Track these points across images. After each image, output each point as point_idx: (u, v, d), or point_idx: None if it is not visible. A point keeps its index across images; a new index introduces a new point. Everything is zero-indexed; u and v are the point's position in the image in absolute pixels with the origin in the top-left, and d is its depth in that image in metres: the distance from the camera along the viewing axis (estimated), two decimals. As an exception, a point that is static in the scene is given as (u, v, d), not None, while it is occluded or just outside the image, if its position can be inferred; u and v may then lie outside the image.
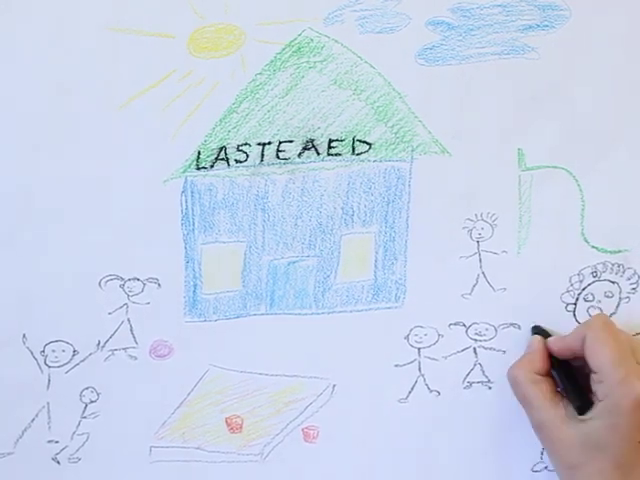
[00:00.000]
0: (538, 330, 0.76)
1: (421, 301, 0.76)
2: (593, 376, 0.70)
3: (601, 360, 0.69)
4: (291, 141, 0.73)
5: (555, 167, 0.75)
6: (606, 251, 0.76)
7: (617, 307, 0.78)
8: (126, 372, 0.75)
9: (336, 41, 0.72)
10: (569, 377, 0.73)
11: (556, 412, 0.70)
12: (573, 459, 0.69)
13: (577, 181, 0.75)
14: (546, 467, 0.79)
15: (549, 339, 0.74)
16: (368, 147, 0.73)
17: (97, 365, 0.74)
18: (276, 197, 0.74)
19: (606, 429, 0.68)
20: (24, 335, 0.73)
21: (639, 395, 0.67)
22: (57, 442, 0.75)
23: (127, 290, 0.74)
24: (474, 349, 0.77)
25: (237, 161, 0.73)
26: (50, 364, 0.74)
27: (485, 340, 0.77)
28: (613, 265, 0.77)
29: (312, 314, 0.76)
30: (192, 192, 0.73)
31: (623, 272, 0.77)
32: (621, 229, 0.76)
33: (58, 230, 0.72)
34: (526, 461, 0.79)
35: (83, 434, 0.75)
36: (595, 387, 0.70)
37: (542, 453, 0.79)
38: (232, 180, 0.73)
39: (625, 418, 0.67)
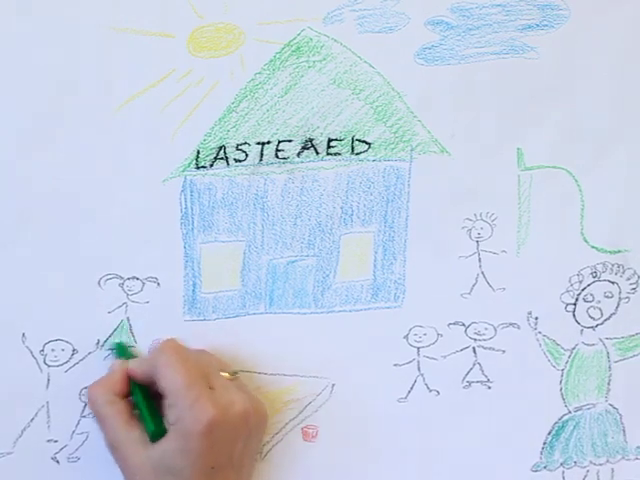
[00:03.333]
0: (120, 348, 0.74)
1: (420, 301, 0.76)
2: (165, 401, 0.68)
3: (171, 384, 0.67)
4: (290, 140, 0.73)
5: (554, 167, 0.75)
6: (606, 251, 0.76)
7: (617, 307, 0.78)
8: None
9: (335, 40, 0.72)
10: (148, 402, 0.70)
11: (130, 435, 0.68)
12: None
13: (577, 181, 0.75)
14: (545, 467, 0.80)
15: (131, 361, 0.72)
16: (367, 147, 0.73)
17: (97, 364, 0.74)
18: (275, 196, 0.74)
19: (178, 453, 0.66)
20: (23, 334, 0.73)
21: (210, 419, 0.66)
22: (56, 441, 0.75)
23: (126, 289, 0.74)
24: (473, 349, 0.77)
25: (236, 160, 0.73)
26: (49, 363, 0.74)
27: (484, 340, 0.77)
28: (613, 265, 0.77)
29: (311, 313, 0.76)
30: (191, 191, 0.73)
31: (623, 272, 0.77)
32: (621, 229, 0.76)
33: (57, 229, 0.72)
34: (525, 461, 0.79)
35: (82, 433, 0.75)
36: (167, 411, 0.68)
37: (541, 453, 0.79)
38: (231, 179, 0.73)
39: (196, 442, 0.66)
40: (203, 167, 0.72)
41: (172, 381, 0.68)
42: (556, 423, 0.80)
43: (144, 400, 0.70)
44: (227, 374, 0.72)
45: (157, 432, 0.68)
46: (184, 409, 0.66)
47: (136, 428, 0.69)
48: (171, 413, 0.67)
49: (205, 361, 0.72)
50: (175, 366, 0.68)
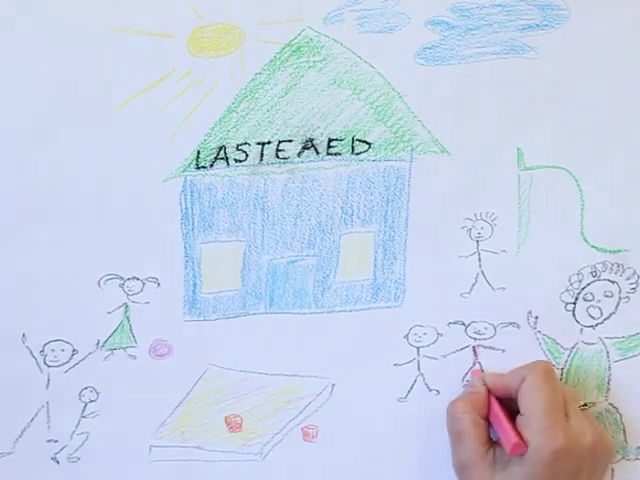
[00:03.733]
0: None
1: (420, 300, 0.76)
2: (519, 419, 0.70)
3: (533, 405, 0.69)
4: (290, 140, 0.73)
5: (554, 167, 0.75)
6: (605, 251, 0.76)
7: (616, 307, 0.78)
8: (125, 371, 0.75)
9: (335, 41, 0.72)
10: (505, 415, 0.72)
11: (485, 457, 0.70)
12: None
13: (576, 180, 0.75)
14: (545, 466, 0.80)
15: (486, 374, 0.75)
16: (367, 146, 0.73)
17: (96, 364, 0.74)
18: (275, 196, 0.74)
19: (525, 477, 0.68)
20: (23, 334, 0.73)
21: (560, 447, 0.67)
22: (56, 441, 0.75)
23: (126, 289, 0.74)
24: (473, 348, 0.77)
25: (236, 160, 0.73)
26: (49, 363, 0.74)
27: (484, 339, 0.77)
28: (613, 265, 0.77)
29: (311, 313, 0.76)
30: (191, 191, 0.73)
31: (623, 272, 0.77)
32: (621, 229, 0.76)
33: (57, 229, 0.72)
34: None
35: (82, 433, 0.75)
36: (521, 430, 0.69)
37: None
38: (231, 179, 0.73)
39: (543, 468, 0.67)
40: (203, 167, 0.72)
41: (534, 402, 0.69)
42: (556, 422, 0.80)
43: (503, 413, 0.72)
44: (581, 403, 0.73)
45: (518, 445, 0.68)
46: (537, 432, 0.68)
47: (491, 451, 0.71)
48: (523, 433, 0.69)
49: (565, 388, 0.73)
50: (542, 387, 0.70)
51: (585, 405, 0.74)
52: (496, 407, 0.73)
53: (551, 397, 0.69)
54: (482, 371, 0.76)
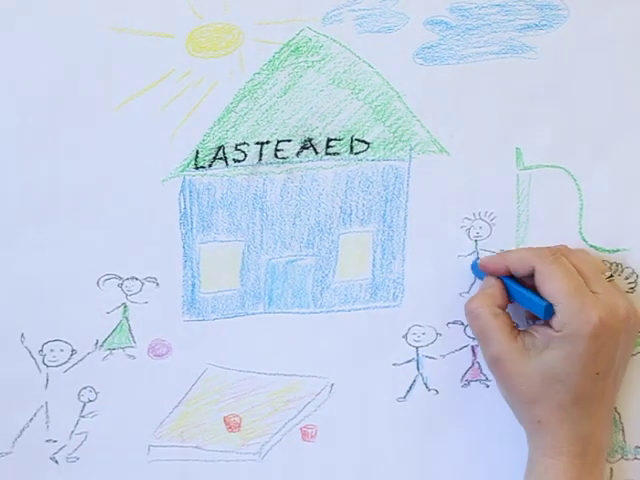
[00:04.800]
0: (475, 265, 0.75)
1: (419, 300, 0.76)
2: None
3: (556, 290, 0.69)
4: (289, 140, 0.73)
5: (553, 166, 0.75)
6: (604, 250, 0.76)
7: (615, 306, 0.77)
8: (124, 371, 0.75)
9: (334, 40, 0.72)
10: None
11: (516, 345, 0.70)
12: (532, 392, 0.70)
13: (575, 180, 0.75)
14: (544, 466, 0.79)
15: (485, 258, 0.75)
16: (366, 146, 0.74)
17: (95, 364, 0.74)
18: (274, 196, 0.74)
19: (565, 360, 0.69)
20: (22, 334, 0.73)
21: (596, 324, 0.68)
22: (55, 441, 0.75)
23: (125, 289, 0.74)
24: (472, 348, 0.77)
25: (235, 160, 0.73)
26: (48, 363, 0.74)
27: (483, 339, 0.77)
28: (611, 264, 0.77)
29: (310, 313, 0.76)
30: (190, 191, 0.73)
31: (621, 271, 0.77)
32: (619, 228, 0.76)
33: (56, 229, 0.72)
34: (525, 459, 0.79)
35: (81, 433, 0.75)
36: (551, 319, 0.70)
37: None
38: (230, 179, 0.73)
39: (583, 348, 0.68)
40: (202, 167, 0.73)
41: (555, 290, 0.69)
42: (555, 422, 0.80)
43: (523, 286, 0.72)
44: (607, 275, 0.73)
45: (549, 307, 0.69)
46: (571, 315, 0.68)
47: (519, 339, 0.71)
48: (555, 320, 0.69)
49: (586, 263, 0.72)
50: (558, 274, 0.70)
51: (612, 276, 0.74)
52: (513, 285, 0.73)
53: (570, 279, 0.69)
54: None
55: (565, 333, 0.68)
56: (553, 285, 0.69)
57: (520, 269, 0.72)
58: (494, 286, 0.73)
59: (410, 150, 0.74)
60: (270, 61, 0.72)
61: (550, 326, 0.70)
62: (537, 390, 0.69)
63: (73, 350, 0.74)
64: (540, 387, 0.69)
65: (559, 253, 0.72)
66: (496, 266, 0.73)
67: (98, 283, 0.73)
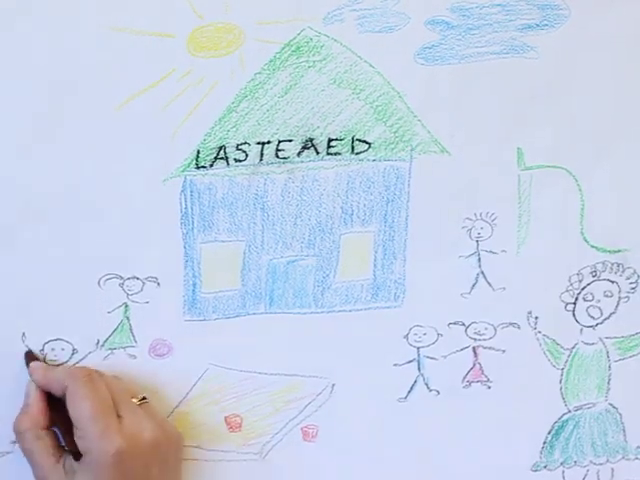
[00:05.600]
0: (29, 357, 0.73)
1: (420, 300, 0.76)
2: (75, 430, 0.68)
3: (80, 414, 0.67)
4: (290, 140, 0.73)
5: (554, 167, 0.75)
6: (605, 250, 0.76)
7: (616, 307, 0.78)
8: (125, 371, 0.75)
9: (335, 40, 0.72)
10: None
11: (57, 468, 0.69)
12: None
13: (576, 180, 0.75)
14: (545, 466, 0.80)
15: (33, 365, 0.72)
16: (367, 146, 0.73)
17: (96, 364, 0.74)
18: (275, 196, 0.74)
19: None
20: (23, 334, 0.73)
21: (118, 449, 0.66)
22: (56, 441, 0.75)
23: (126, 289, 0.74)
24: (473, 348, 0.77)
25: (236, 160, 0.73)
26: (49, 363, 0.74)
27: (484, 339, 0.77)
28: (612, 264, 0.77)
29: (311, 313, 0.76)
30: (191, 191, 0.73)
31: (622, 271, 0.77)
32: (621, 228, 0.76)
33: (57, 229, 0.72)
34: (525, 460, 0.79)
35: (82, 433, 0.75)
36: (77, 441, 0.68)
37: (541, 452, 0.79)
38: (231, 179, 0.73)
39: (106, 473, 0.66)
40: (203, 167, 0.72)
41: (80, 411, 0.68)
42: (556, 422, 0.80)
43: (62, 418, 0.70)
44: (136, 400, 0.72)
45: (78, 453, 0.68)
46: (92, 441, 0.67)
47: (62, 460, 0.69)
48: (80, 443, 0.68)
49: (115, 388, 0.71)
50: (86, 396, 0.68)
51: (144, 399, 0.72)
52: (53, 415, 0.71)
53: (96, 402, 0.68)
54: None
55: (88, 458, 0.67)
56: (80, 406, 0.68)
57: (57, 389, 0.70)
58: (34, 404, 0.71)
59: (411, 150, 0.74)
60: (271, 61, 0.72)
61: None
62: None
63: (74, 350, 0.74)
64: None
65: (95, 374, 0.71)
66: (39, 382, 0.71)
67: (99, 283, 0.73)
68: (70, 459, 0.69)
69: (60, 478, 0.68)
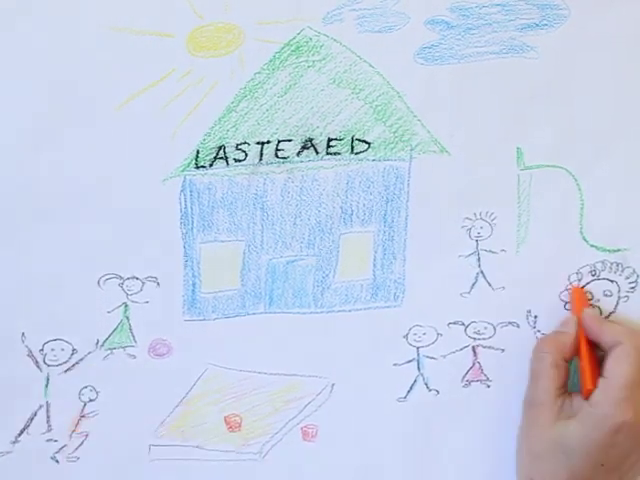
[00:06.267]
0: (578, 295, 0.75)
1: (420, 300, 0.76)
2: (601, 380, 0.70)
3: (617, 373, 0.69)
4: (290, 140, 0.73)
5: (554, 166, 0.75)
6: (605, 250, 0.76)
7: (616, 306, 0.78)
8: (125, 371, 0.75)
9: (335, 40, 0.72)
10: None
11: (555, 402, 0.71)
12: (541, 449, 0.70)
13: (576, 180, 0.75)
14: (545, 466, 0.79)
15: (586, 316, 0.74)
16: (367, 146, 0.73)
17: (96, 364, 0.74)
18: (275, 196, 0.74)
19: (580, 437, 0.68)
20: (23, 334, 0.73)
21: (626, 421, 0.67)
22: (56, 441, 0.75)
23: (126, 289, 0.74)
24: (473, 348, 0.77)
25: (236, 160, 0.73)
26: (49, 363, 0.74)
27: (484, 339, 0.77)
28: (612, 264, 0.77)
29: (311, 313, 0.76)
30: (191, 191, 0.73)
31: (622, 271, 0.77)
32: (620, 228, 0.76)
33: (57, 229, 0.72)
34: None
35: (82, 433, 0.75)
36: (596, 392, 0.70)
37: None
38: (231, 179, 0.73)
39: (600, 435, 0.68)
40: (203, 167, 0.72)
41: (619, 371, 0.69)
42: (556, 422, 0.80)
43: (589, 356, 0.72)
44: None
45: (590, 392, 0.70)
46: (610, 400, 0.68)
47: (561, 398, 0.71)
48: (597, 394, 0.69)
49: None
50: (632, 360, 0.69)
51: None
52: (584, 349, 0.73)
53: (637, 372, 0.69)
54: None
55: (594, 412, 0.68)
56: (622, 366, 0.69)
57: (608, 341, 0.72)
58: (569, 335, 0.74)
59: (411, 150, 0.74)
60: (271, 61, 0.72)
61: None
62: (545, 449, 0.70)
63: (74, 349, 0.74)
64: (549, 448, 0.69)
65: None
66: (589, 332, 0.73)
67: (99, 283, 0.73)
68: (569, 403, 0.71)
69: (552, 412, 0.70)
